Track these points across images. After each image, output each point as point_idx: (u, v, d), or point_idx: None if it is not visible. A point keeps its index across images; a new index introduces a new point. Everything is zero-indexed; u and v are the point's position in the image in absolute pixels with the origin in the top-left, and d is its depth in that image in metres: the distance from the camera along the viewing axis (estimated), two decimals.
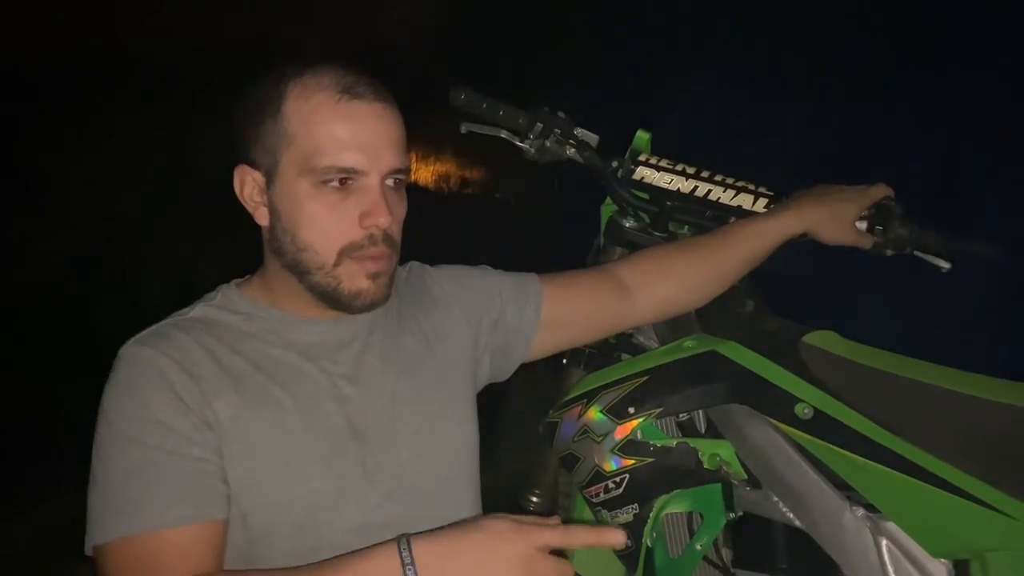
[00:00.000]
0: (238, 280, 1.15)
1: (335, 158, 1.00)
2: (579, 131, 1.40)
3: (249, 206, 1.08)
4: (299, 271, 1.05)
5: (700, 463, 1.27)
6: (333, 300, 1.05)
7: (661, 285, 1.30)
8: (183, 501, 0.94)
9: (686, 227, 1.42)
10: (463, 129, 1.39)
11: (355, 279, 1.03)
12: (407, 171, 1.07)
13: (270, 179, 1.04)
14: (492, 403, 1.28)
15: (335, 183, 1.01)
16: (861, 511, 1.11)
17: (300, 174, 1.01)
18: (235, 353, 1.04)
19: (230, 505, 0.98)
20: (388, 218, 1.02)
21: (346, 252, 1.02)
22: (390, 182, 1.05)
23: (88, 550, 0.96)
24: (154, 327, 1.06)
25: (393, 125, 1.05)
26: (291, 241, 1.04)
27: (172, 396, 0.97)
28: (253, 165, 1.05)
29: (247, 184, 1.07)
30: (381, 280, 1.05)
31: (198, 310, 1.09)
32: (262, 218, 1.07)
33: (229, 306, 1.10)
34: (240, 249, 1.20)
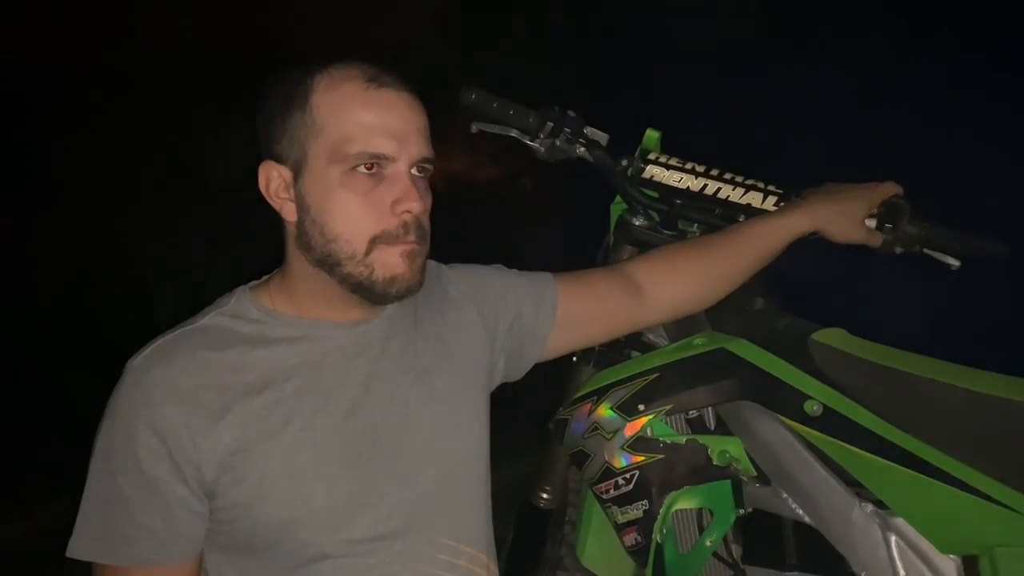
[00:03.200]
0: (254, 282, 1.13)
1: (365, 144, 1.00)
2: (589, 130, 1.41)
3: (275, 203, 1.06)
4: (330, 264, 1.03)
5: (710, 460, 1.28)
6: (367, 291, 1.03)
7: (673, 284, 1.30)
8: (141, 544, 0.99)
9: (695, 225, 1.43)
10: (474, 128, 1.40)
11: (389, 263, 1.02)
12: (432, 162, 1.07)
13: (298, 172, 1.03)
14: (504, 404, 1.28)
15: (364, 170, 1.00)
16: (870, 507, 1.12)
17: (330, 163, 1.01)
18: (243, 368, 1.03)
19: (198, 544, 1.03)
20: (420, 203, 1.02)
21: (378, 240, 1.01)
22: (416, 171, 1.04)
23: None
24: (163, 340, 1.04)
25: (419, 114, 1.05)
26: (320, 233, 1.02)
27: (158, 442, 0.98)
28: (279, 160, 1.04)
29: (272, 180, 1.05)
30: (416, 264, 1.04)
31: (209, 318, 1.07)
32: (289, 213, 1.05)
33: (242, 313, 1.08)
34: (255, 251, 1.20)
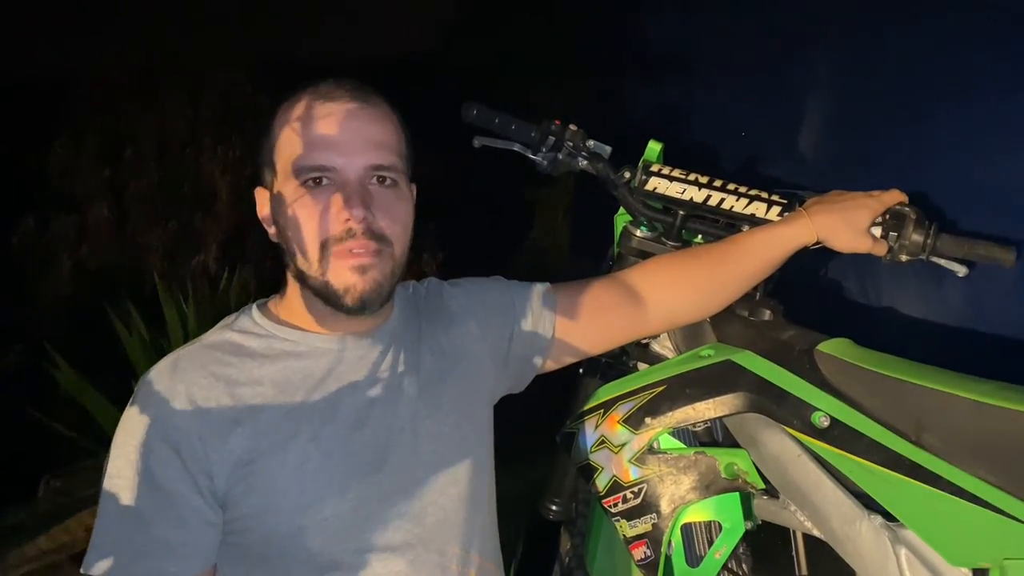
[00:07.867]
0: (261, 300, 1.18)
1: (307, 158, 1.04)
2: (591, 143, 1.41)
3: (265, 224, 1.13)
4: (301, 278, 1.08)
5: (718, 472, 1.28)
6: (330, 300, 1.06)
7: (671, 293, 1.30)
8: (157, 557, 1.00)
9: (699, 236, 1.42)
10: (476, 143, 1.40)
11: (341, 274, 1.05)
12: (395, 170, 1.08)
13: (271, 193, 1.10)
14: (508, 415, 1.29)
15: (312, 183, 1.04)
16: (879, 520, 1.11)
17: (286, 180, 1.06)
18: (253, 382, 1.06)
19: (212, 556, 1.03)
20: (361, 211, 1.03)
21: (327, 246, 1.04)
22: (376, 180, 1.06)
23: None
24: (174, 355, 1.07)
25: (373, 124, 1.07)
26: (288, 248, 1.08)
27: (171, 453, 1.00)
28: (263, 185, 1.12)
29: (261, 204, 1.12)
30: (371, 275, 1.05)
31: (219, 334, 1.11)
32: (273, 234, 1.12)
33: (250, 329, 1.12)
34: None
